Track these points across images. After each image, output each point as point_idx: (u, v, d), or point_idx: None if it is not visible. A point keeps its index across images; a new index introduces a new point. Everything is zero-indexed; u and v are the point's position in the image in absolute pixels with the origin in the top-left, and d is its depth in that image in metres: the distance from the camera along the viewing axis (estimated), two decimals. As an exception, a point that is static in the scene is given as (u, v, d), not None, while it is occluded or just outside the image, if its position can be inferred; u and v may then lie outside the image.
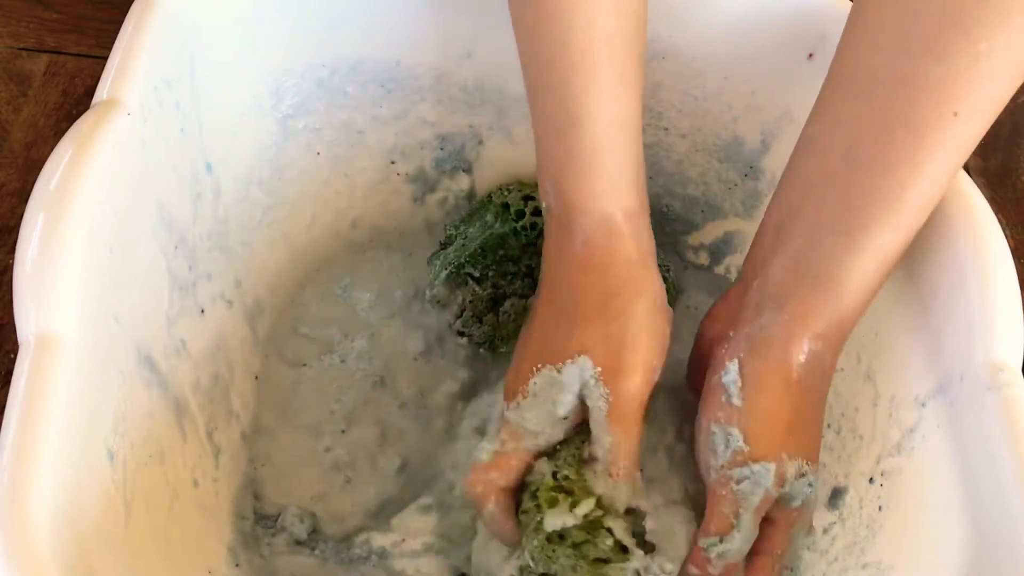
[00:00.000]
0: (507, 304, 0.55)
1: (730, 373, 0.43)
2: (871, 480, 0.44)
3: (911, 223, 0.40)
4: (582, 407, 0.45)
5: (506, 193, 0.58)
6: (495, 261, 0.55)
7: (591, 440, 0.44)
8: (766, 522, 0.44)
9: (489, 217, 0.58)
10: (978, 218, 0.40)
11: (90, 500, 0.34)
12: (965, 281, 0.39)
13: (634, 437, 0.44)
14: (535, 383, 0.45)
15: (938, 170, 0.39)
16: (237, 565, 0.47)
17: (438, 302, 0.57)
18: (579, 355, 0.44)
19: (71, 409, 0.33)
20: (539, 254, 0.48)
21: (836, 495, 0.46)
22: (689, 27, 0.52)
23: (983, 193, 0.41)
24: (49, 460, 0.32)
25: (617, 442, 0.44)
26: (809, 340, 0.42)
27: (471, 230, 0.58)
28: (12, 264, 0.35)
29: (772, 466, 0.42)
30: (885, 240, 0.40)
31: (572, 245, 0.45)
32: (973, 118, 0.38)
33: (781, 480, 0.42)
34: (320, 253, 0.60)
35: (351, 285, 0.60)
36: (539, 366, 0.45)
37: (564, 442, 0.46)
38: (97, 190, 0.37)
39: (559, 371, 0.44)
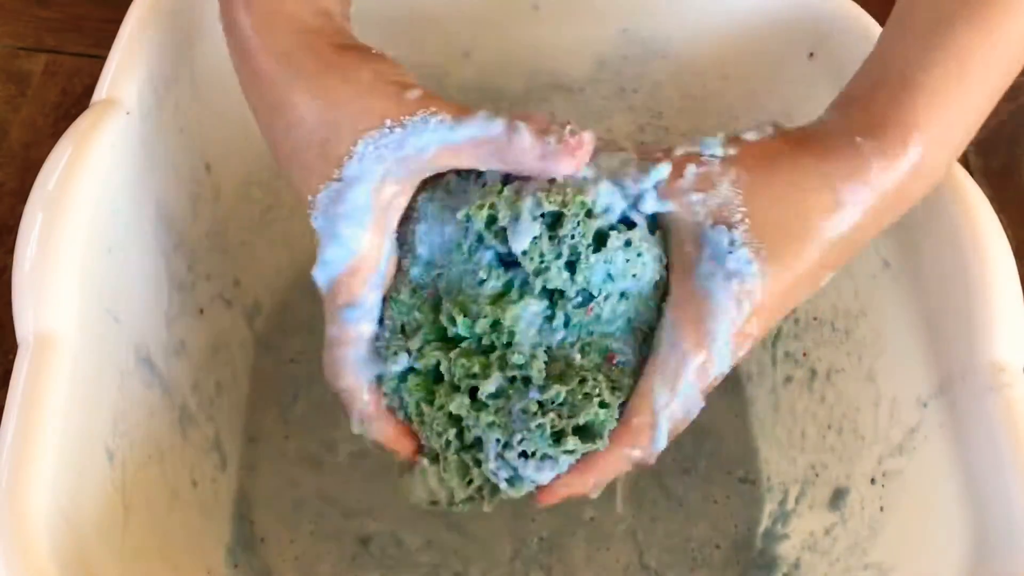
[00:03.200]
0: None
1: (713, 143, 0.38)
2: (873, 481, 0.44)
3: (996, 26, 0.35)
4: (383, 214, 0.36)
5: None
6: None
7: None
8: None
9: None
10: (980, 218, 0.40)
11: (89, 500, 0.34)
12: (967, 281, 0.39)
13: None
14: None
15: None
16: (236, 565, 0.47)
17: None
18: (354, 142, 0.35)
19: (70, 409, 0.33)
20: None
21: (838, 496, 0.46)
22: (689, 27, 0.52)
23: (984, 192, 0.41)
24: (48, 460, 0.32)
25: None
26: (859, 136, 0.35)
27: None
28: (11, 264, 0.35)
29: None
30: (968, 39, 0.35)
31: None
32: None
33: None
34: (319, 253, 0.60)
35: (350, 285, 0.60)
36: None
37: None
38: (96, 190, 0.37)
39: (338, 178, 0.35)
